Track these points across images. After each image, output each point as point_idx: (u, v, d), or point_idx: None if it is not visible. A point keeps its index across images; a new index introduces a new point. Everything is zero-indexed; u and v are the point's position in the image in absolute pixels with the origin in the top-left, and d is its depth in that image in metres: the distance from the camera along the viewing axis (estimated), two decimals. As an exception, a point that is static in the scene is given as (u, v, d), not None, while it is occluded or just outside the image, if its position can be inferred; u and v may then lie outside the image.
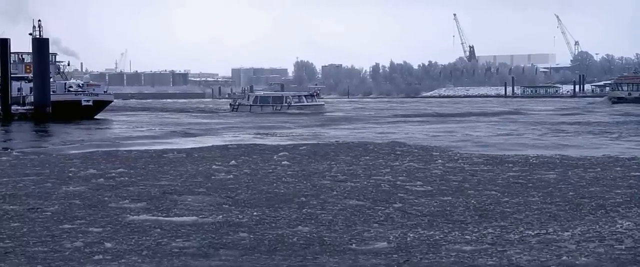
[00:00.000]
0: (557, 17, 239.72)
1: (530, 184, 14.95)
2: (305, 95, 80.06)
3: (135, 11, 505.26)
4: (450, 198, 12.99)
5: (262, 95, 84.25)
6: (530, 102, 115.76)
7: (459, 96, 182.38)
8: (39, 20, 59.61)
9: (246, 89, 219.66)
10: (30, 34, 59.69)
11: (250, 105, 77.21)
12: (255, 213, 11.42)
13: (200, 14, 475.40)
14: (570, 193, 13.63)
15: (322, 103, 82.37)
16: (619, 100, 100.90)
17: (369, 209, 11.85)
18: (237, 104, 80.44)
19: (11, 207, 11.84)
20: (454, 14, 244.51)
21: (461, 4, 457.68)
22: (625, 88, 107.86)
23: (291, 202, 12.58)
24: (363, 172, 17.32)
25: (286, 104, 74.54)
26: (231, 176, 16.56)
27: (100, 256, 8.56)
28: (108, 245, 9.15)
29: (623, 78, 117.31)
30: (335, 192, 13.73)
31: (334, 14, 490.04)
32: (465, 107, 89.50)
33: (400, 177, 16.17)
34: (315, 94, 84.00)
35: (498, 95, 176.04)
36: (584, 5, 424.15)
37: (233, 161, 19.74)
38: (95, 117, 62.17)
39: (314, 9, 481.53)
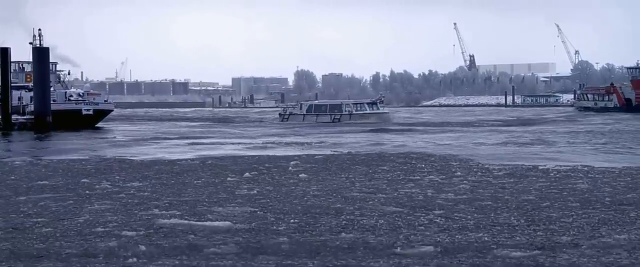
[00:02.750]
0: (558, 26, 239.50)
1: (565, 192, 14.22)
2: (367, 103, 71.70)
3: (136, 20, 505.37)
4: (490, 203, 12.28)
5: (316, 103, 76.31)
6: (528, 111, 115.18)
7: (459, 105, 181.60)
8: (40, 30, 59.14)
9: (246, 97, 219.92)
10: (31, 43, 59.15)
11: (304, 114, 70.16)
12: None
13: (199, 23, 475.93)
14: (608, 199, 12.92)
15: (387, 112, 73.38)
16: (586, 109, 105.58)
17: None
18: (287, 113, 73.27)
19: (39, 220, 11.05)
20: (455, 23, 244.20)
21: (461, 13, 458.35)
22: (590, 97, 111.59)
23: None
24: (387, 185, 16.56)
25: (346, 113, 67.50)
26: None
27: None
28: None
29: (589, 89, 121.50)
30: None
31: (334, 22, 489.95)
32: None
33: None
34: (379, 101, 73.78)
35: (498, 105, 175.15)
36: (585, 14, 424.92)
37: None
38: (96, 126, 61.83)
39: (313, 18, 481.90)
